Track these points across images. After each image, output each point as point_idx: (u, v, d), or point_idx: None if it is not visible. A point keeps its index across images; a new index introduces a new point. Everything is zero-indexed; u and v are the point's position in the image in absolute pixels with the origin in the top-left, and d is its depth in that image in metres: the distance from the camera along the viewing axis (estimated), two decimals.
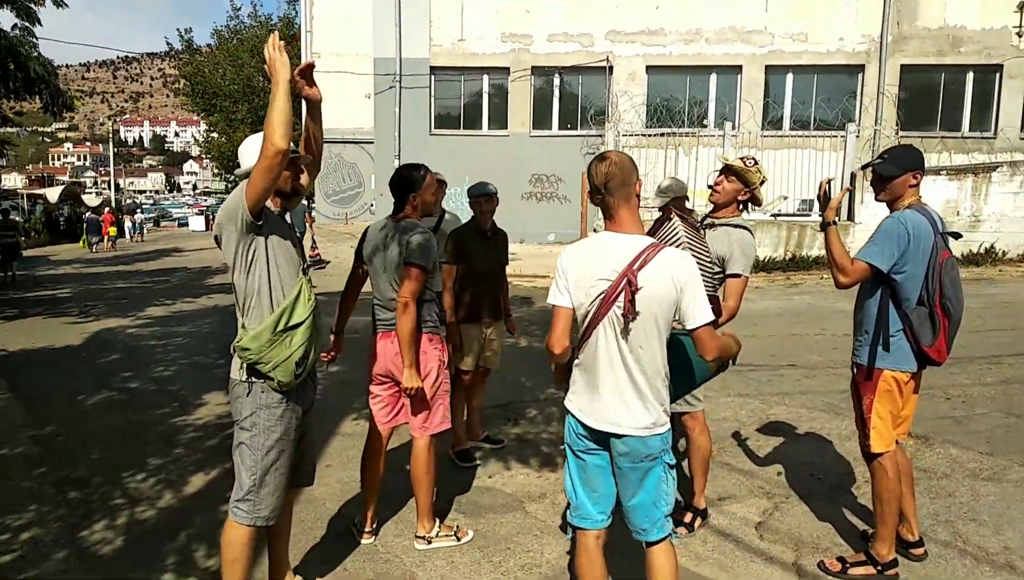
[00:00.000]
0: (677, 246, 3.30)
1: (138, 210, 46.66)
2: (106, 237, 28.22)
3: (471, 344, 4.59)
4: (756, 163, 3.71)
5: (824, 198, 3.32)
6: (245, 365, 2.65)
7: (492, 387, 5.63)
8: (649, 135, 15.93)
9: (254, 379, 2.66)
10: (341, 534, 3.70)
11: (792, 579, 3.24)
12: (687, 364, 2.65)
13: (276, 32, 2.54)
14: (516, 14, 18.59)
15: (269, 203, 2.71)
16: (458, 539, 3.59)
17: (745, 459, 4.62)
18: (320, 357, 2.88)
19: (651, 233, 3.50)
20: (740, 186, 3.65)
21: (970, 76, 18.00)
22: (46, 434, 5.31)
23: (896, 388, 3.15)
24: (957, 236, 3.28)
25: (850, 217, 12.79)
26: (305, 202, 23.75)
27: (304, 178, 2.88)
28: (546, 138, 18.89)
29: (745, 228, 3.62)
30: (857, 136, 16.59)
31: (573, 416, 2.53)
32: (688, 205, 5.10)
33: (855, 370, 3.27)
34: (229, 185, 42.76)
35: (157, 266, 19.13)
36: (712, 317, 2.40)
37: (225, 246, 2.64)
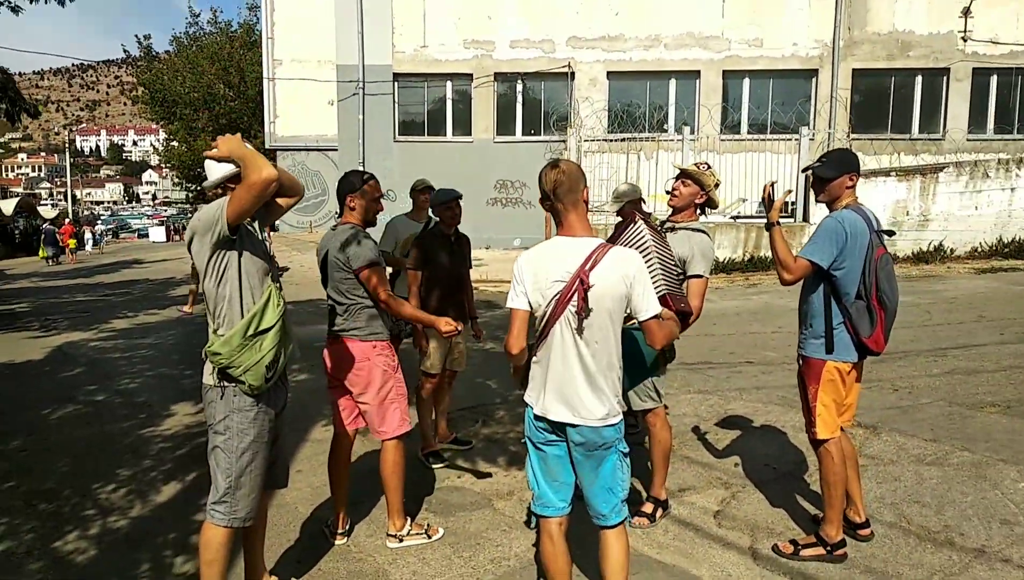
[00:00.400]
0: (643, 247, 3.48)
1: (98, 221, 45.84)
2: (67, 249, 27.82)
3: (438, 348, 4.70)
4: (709, 167, 3.91)
5: (768, 200, 3.50)
6: (217, 370, 2.74)
7: (459, 390, 5.76)
8: (610, 140, 16.15)
9: (226, 383, 2.75)
10: (314, 536, 3.78)
11: (748, 562, 3.41)
12: (639, 355, 2.81)
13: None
14: (478, 21, 18.72)
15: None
16: (428, 536, 3.70)
17: (704, 452, 4.80)
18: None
19: (615, 236, 3.68)
20: (696, 189, 3.84)
21: (919, 79, 18.53)
22: (11, 448, 5.29)
23: (839, 378, 3.35)
24: (891, 233, 3.50)
25: (805, 218, 13.15)
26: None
27: (284, 201, 2.96)
28: (510, 144, 19.03)
29: (703, 231, 3.81)
30: (811, 139, 17.11)
31: (532, 410, 2.66)
32: (645, 208, 5.32)
33: (801, 362, 3.46)
34: (190, 195, 42.19)
35: (118, 278, 18.87)
36: (659, 309, 2.57)
37: (197, 254, 2.73)
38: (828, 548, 3.38)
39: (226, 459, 2.78)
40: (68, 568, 3.54)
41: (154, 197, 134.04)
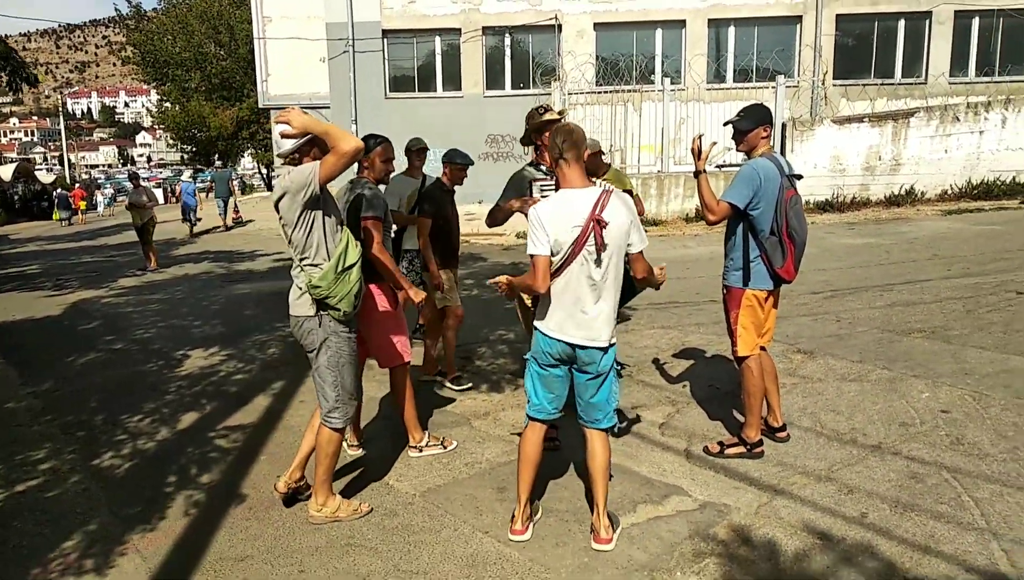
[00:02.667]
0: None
1: (107, 184, 46.23)
2: (78, 211, 28.57)
3: (451, 285, 5.36)
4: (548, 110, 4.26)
5: (696, 152, 4.03)
6: (314, 303, 3.32)
7: None
8: (596, 92, 16.49)
9: (323, 312, 3.34)
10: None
11: (681, 460, 4.06)
12: (625, 290, 3.38)
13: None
14: None
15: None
16: (444, 447, 4.31)
17: (658, 377, 5.43)
18: None
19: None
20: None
21: (902, 23, 18.69)
22: (44, 389, 5.93)
23: (756, 304, 3.93)
24: (799, 177, 4.05)
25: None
26: (228, 170, 24.37)
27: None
28: (500, 98, 19.30)
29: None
30: (797, 86, 17.44)
31: (547, 336, 3.16)
32: (606, 158, 5.91)
33: (724, 291, 4.04)
34: (185, 156, 42.30)
35: (121, 240, 19.37)
36: (647, 242, 3.16)
37: (287, 210, 3.26)
38: (748, 447, 4.01)
39: (332, 374, 3.41)
40: (106, 480, 4.19)
41: (149, 159, 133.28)
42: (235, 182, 26.04)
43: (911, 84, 18.37)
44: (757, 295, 3.92)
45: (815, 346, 5.76)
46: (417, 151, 6.10)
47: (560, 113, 4.32)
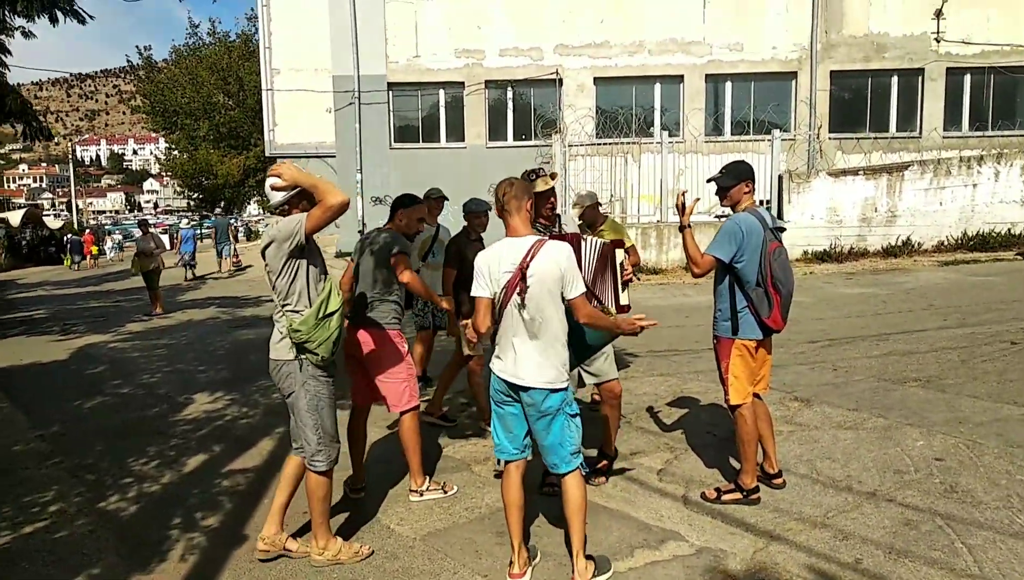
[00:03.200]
0: (592, 256, 4.15)
1: (114, 231, 46.92)
2: (88, 256, 29.02)
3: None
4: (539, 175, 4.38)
5: (680, 207, 4.14)
6: (294, 347, 3.44)
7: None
8: (595, 145, 16.84)
9: (303, 357, 3.45)
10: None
11: (679, 506, 4.12)
12: (581, 336, 3.50)
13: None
14: (468, 30, 19.40)
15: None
16: (444, 492, 4.38)
17: (657, 424, 5.50)
18: None
19: (576, 243, 4.28)
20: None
21: (895, 80, 19.14)
22: (52, 432, 6.00)
23: (747, 353, 4.01)
24: (783, 229, 4.17)
25: (780, 216, 13.84)
26: (227, 218, 25.13)
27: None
28: (502, 149, 19.69)
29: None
30: (793, 139, 17.81)
31: (495, 374, 3.36)
32: (605, 209, 6.11)
33: (715, 341, 4.13)
34: (192, 203, 42.88)
35: (127, 286, 19.58)
36: (584, 289, 3.25)
37: (272, 257, 3.43)
38: (744, 493, 4.07)
39: (312, 417, 3.52)
40: (113, 522, 4.25)
41: (155, 205, 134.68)
42: (234, 229, 26.71)
43: (906, 138, 18.75)
44: (747, 345, 4.01)
45: (812, 394, 5.85)
46: (435, 200, 6.34)
47: (553, 177, 4.46)
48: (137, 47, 42.61)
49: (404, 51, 19.71)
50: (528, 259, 3.19)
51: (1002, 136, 18.12)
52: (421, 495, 4.35)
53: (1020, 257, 13.24)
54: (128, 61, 41.36)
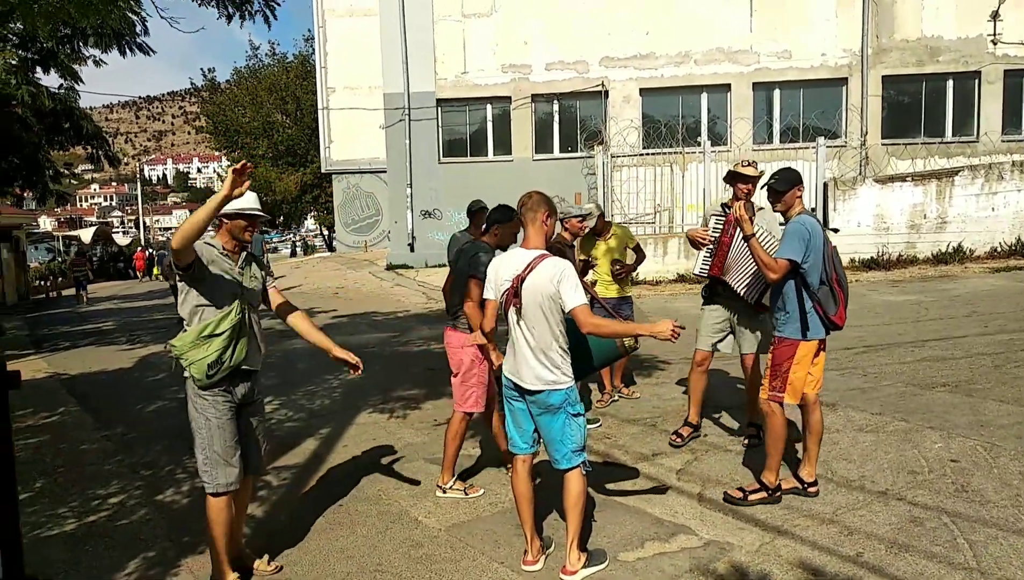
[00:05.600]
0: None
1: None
2: (140, 272, 30.35)
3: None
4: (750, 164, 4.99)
5: (746, 218, 4.21)
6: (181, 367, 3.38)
7: None
8: (640, 155, 16.96)
9: (185, 374, 3.41)
10: (352, 490, 4.79)
11: (693, 503, 4.28)
12: (585, 350, 3.71)
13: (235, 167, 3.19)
14: (515, 46, 19.76)
15: (222, 245, 3.50)
16: (466, 494, 4.61)
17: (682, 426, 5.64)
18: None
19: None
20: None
21: (950, 83, 18.74)
22: (116, 433, 6.48)
23: (810, 354, 4.09)
24: (836, 231, 4.37)
25: (825, 224, 13.73)
26: (261, 236, 26.49)
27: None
28: (548, 161, 19.96)
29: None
30: (842, 146, 17.61)
31: (504, 374, 3.61)
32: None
33: (777, 342, 4.18)
34: None
35: None
36: (581, 302, 3.38)
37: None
38: (769, 492, 4.17)
39: (197, 436, 3.43)
40: (167, 512, 4.63)
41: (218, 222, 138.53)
42: (269, 245, 28.59)
43: (962, 142, 18.34)
44: (810, 346, 4.09)
45: (837, 398, 5.92)
46: (478, 211, 6.52)
47: (761, 173, 4.95)
48: (201, 69, 44.20)
49: (452, 68, 20.18)
50: (525, 273, 3.44)
51: None
52: (444, 492, 4.60)
53: None
54: (192, 83, 43.11)
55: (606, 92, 19.54)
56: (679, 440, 5.24)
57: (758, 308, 4.95)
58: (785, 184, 4.17)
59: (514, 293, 3.44)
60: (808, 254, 4.01)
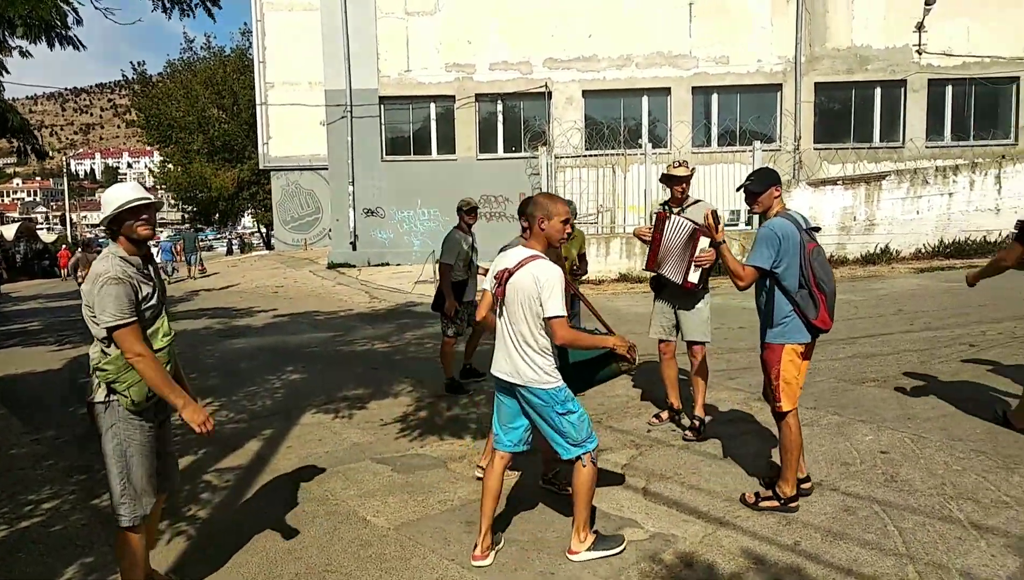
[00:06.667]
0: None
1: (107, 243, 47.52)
2: (65, 270, 29.25)
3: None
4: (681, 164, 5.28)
5: (713, 225, 4.21)
6: (104, 387, 3.10)
7: (434, 381, 6.72)
8: (582, 156, 17.16)
9: (112, 398, 3.11)
10: (300, 490, 4.74)
11: (639, 497, 4.38)
12: (567, 363, 3.76)
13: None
14: (459, 45, 19.74)
15: (124, 253, 3.14)
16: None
17: (627, 422, 5.76)
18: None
19: None
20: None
21: (878, 91, 19.50)
22: (47, 437, 6.24)
23: (796, 357, 4.03)
24: (817, 229, 4.19)
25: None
26: (194, 232, 27.09)
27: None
28: (492, 161, 20.00)
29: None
30: (776, 150, 18.16)
31: (491, 369, 3.71)
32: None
33: (764, 349, 4.15)
34: (186, 216, 43.16)
35: None
36: (559, 312, 3.39)
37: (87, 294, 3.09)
38: (782, 502, 4.07)
39: (117, 464, 3.15)
40: (104, 516, 4.48)
41: None
42: (203, 243, 29.90)
43: (888, 148, 19.13)
44: (796, 349, 3.99)
45: None
46: (467, 211, 6.96)
47: (692, 170, 5.33)
48: (132, 63, 42.73)
49: (396, 65, 20.03)
50: (514, 269, 3.51)
51: (982, 145, 18.52)
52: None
53: None
54: (123, 75, 41.61)
55: (549, 93, 19.69)
56: (656, 422, 5.66)
57: (686, 286, 5.18)
58: (761, 185, 4.04)
59: (500, 285, 3.53)
60: (780, 259, 3.90)
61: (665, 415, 5.71)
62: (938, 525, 3.75)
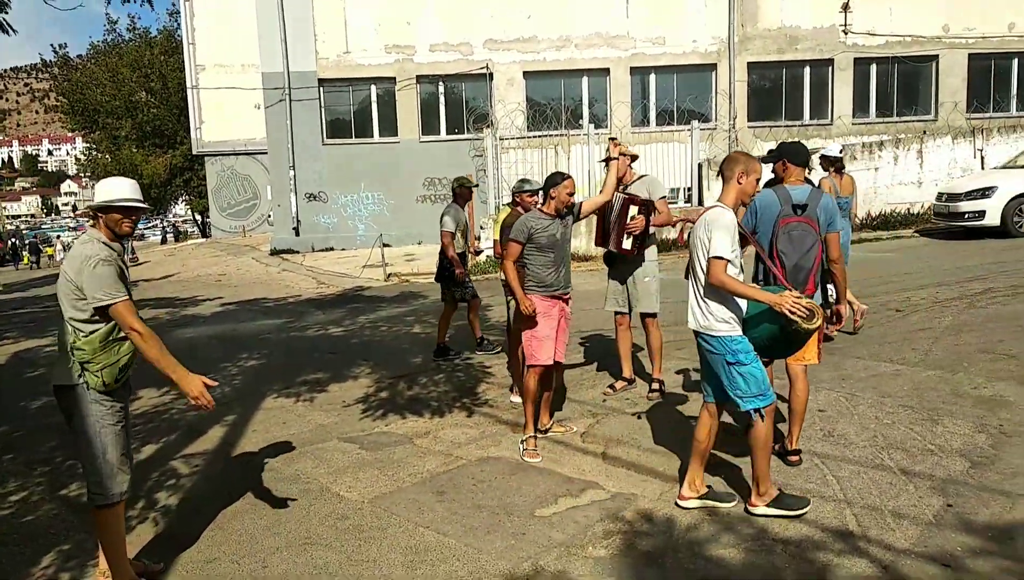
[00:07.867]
0: None
1: (32, 235, 45.94)
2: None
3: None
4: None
5: (683, 229, 4.45)
6: (78, 371, 3.19)
7: (391, 363, 6.85)
8: (525, 137, 17.34)
9: (85, 380, 3.21)
10: (268, 471, 4.85)
11: (599, 462, 4.64)
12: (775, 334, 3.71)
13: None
14: (398, 26, 19.57)
15: (106, 239, 3.27)
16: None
17: (582, 392, 6.03)
18: None
19: None
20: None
21: (807, 70, 20.17)
22: (2, 432, 6.16)
23: None
24: (804, 207, 4.22)
25: (700, 202, 14.63)
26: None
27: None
28: (435, 143, 19.99)
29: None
30: (713, 129, 18.68)
31: None
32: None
33: None
34: None
35: (52, 290, 19.10)
36: (718, 254, 3.56)
37: (62, 288, 3.23)
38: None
39: (92, 444, 3.24)
40: (76, 506, 4.52)
41: (74, 208, 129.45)
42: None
43: (818, 125, 19.86)
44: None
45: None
46: (469, 188, 7.76)
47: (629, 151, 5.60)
48: (52, 45, 40.85)
49: (334, 47, 19.77)
50: (696, 218, 3.89)
51: (905, 121, 19.40)
52: (545, 431, 5.12)
53: (917, 234, 14.33)
54: (41, 58, 39.84)
55: (491, 75, 19.76)
56: (611, 392, 5.95)
57: (622, 251, 5.52)
58: (775, 154, 4.40)
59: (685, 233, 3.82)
60: (756, 226, 4.25)
61: (620, 385, 6.00)
62: (872, 473, 4.11)
